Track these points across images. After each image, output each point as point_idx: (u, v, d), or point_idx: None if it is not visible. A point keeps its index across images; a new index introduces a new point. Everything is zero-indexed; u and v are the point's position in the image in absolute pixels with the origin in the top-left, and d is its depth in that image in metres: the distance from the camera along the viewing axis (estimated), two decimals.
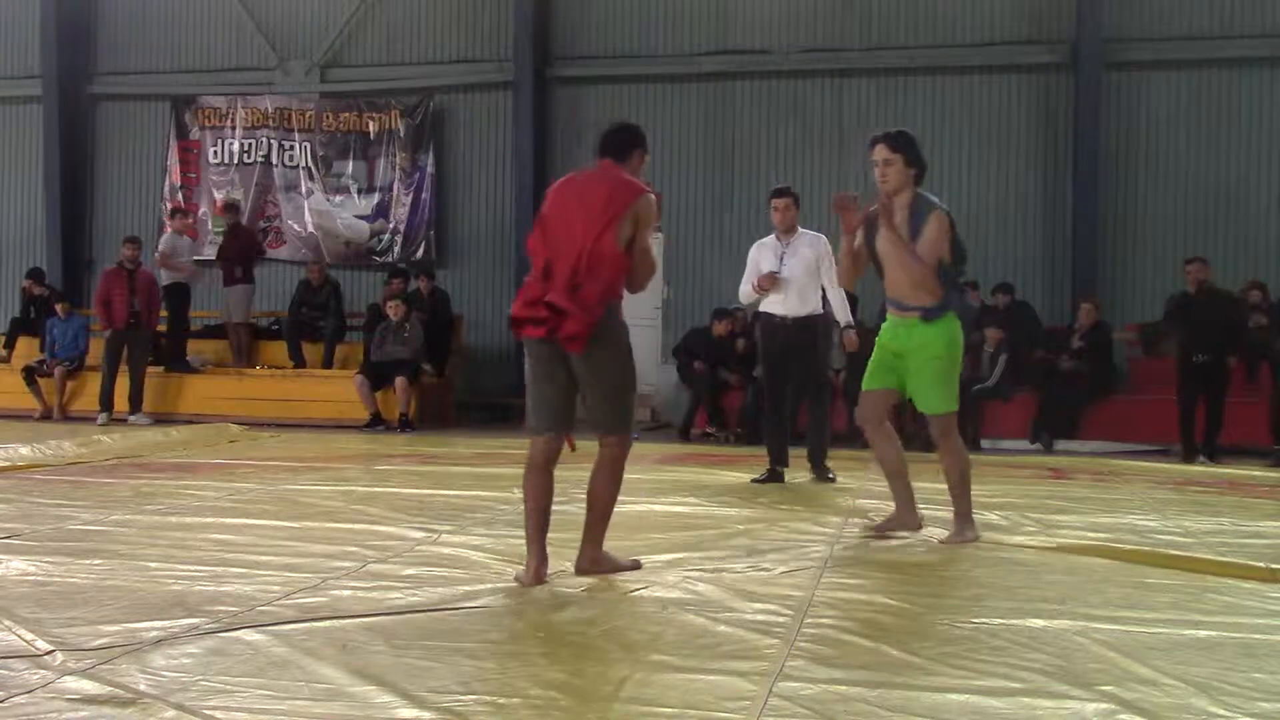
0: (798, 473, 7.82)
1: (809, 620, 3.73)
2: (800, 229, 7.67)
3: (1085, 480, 8.39)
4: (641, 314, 14.90)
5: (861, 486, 7.48)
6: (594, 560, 4.47)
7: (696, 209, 14.66)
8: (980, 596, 4.16)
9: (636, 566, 4.56)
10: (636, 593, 4.16)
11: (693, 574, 4.47)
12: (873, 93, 14.30)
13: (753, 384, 12.08)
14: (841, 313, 7.82)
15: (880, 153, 5.31)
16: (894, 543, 5.33)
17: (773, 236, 7.71)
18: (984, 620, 3.76)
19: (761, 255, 7.70)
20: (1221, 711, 2.87)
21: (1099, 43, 13.47)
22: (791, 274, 7.53)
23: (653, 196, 4.47)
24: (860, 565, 4.72)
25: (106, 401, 12.68)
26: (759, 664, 3.22)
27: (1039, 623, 3.74)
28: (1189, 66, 13.51)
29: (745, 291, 7.80)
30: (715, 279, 13.87)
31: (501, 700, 2.88)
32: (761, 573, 4.55)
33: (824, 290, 7.66)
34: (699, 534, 5.47)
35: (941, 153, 13.90)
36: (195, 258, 14.15)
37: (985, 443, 11.41)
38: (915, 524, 5.52)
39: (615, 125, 4.67)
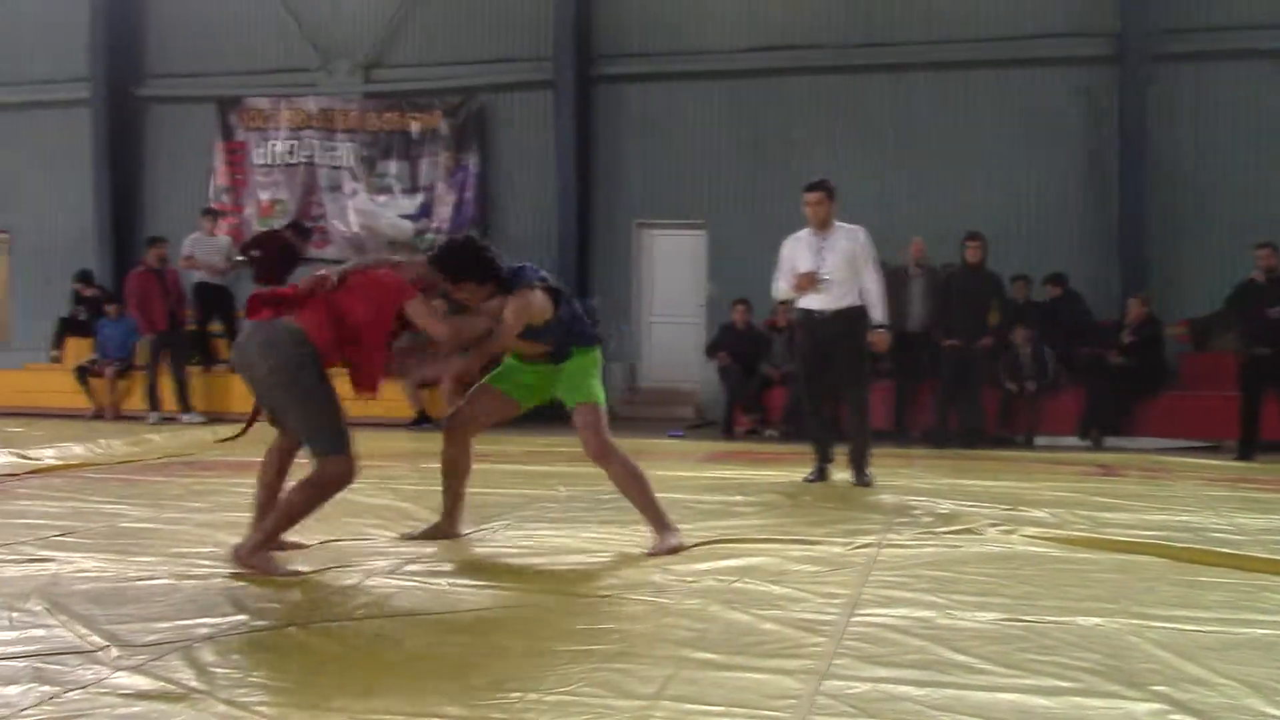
0: (842, 469, 7.77)
1: (856, 618, 3.71)
2: (837, 223, 7.50)
3: (1135, 477, 8.29)
4: (684, 312, 14.94)
5: (906, 484, 7.43)
6: (253, 551, 4.47)
7: (739, 206, 14.63)
8: (1030, 595, 4.11)
9: (294, 575, 4.42)
10: (681, 591, 4.14)
11: (738, 572, 4.46)
12: (918, 87, 14.22)
13: (793, 379, 12.05)
14: (876, 309, 7.45)
15: (450, 286, 4.76)
16: (941, 542, 5.28)
17: (807, 231, 7.52)
18: (1034, 619, 3.72)
19: (796, 251, 7.51)
20: (1276, 712, 2.83)
21: (1145, 34, 13.30)
22: (830, 270, 7.37)
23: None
24: (908, 564, 4.68)
25: (155, 401, 12.87)
26: (805, 662, 3.21)
27: (1090, 621, 3.70)
28: (1240, 57, 13.29)
29: (780, 288, 7.66)
30: (758, 275, 13.81)
31: (548, 698, 2.88)
32: (807, 570, 4.52)
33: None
34: (742, 531, 5.45)
35: (988, 147, 13.83)
36: (238, 258, 14.19)
37: (1039, 440, 11.34)
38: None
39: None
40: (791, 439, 11.01)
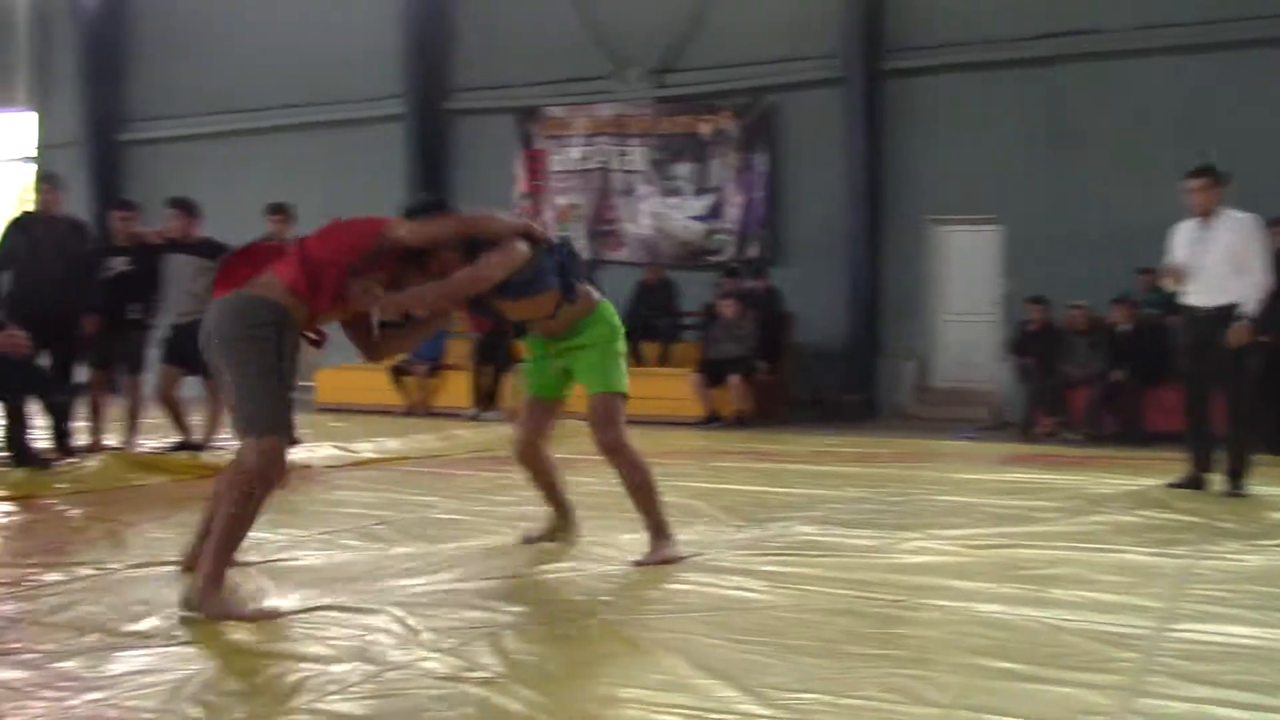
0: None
1: (1170, 633, 3.50)
2: (1227, 211, 6.93)
3: None
4: (979, 310, 14.49)
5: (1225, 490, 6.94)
6: (205, 595, 3.72)
7: (1034, 200, 14.03)
8: None
9: (272, 616, 3.73)
10: (978, 597, 4.02)
11: (1039, 580, 4.28)
12: (1216, 69, 13.20)
13: (1100, 379, 11.49)
14: (1248, 303, 6.79)
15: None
16: (1266, 555, 4.89)
17: (1194, 219, 7.02)
18: None
19: (1176, 241, 7.09)
20: None
21: None
22: (1203, 261, 6.84)
23: None
24: (1228, 577, 4.37)
25: (479, 397, 13.53)
26: (1114, 677, 3.04)
27: None
28: None
29: (1168, 280, 7.35)
30: (1055, 270, 13.25)
31: (841, 701, 2.85)
32: (1115, 580, 4.29)
33: None
34: (1043, 538, 5.23)
35: None
36: None
37: None
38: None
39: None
40: (1095, 442, 10.54)
